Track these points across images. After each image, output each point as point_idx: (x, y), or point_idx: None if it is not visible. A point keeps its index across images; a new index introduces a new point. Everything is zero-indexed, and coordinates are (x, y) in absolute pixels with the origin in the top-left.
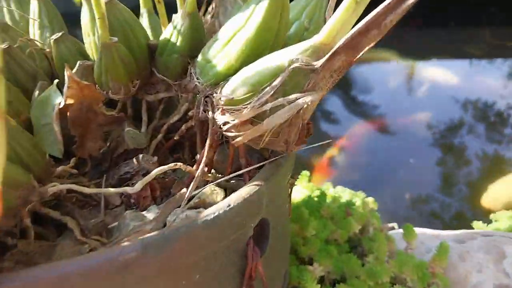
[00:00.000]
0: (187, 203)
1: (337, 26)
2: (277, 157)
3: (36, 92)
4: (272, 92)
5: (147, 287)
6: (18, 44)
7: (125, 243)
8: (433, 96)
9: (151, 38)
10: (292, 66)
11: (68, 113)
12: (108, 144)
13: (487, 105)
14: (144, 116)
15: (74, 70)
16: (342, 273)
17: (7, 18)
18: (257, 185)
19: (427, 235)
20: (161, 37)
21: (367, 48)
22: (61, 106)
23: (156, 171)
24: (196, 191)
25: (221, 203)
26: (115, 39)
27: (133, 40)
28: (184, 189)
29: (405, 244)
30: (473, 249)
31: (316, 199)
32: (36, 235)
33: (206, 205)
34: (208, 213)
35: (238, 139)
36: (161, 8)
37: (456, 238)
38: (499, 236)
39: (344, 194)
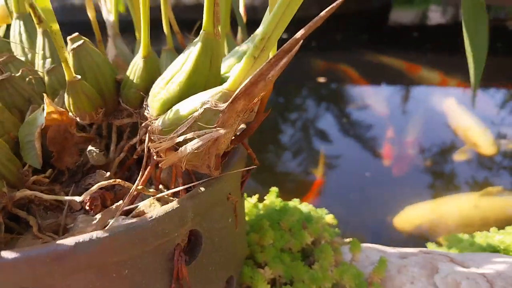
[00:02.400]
0: (128, 213)
1: (240, 77)
2: (209, 179)
3: (28, 114)
4: (188, 126)
5: (80, 276)
6: (20, 73)
7: (62, 241)
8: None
9: None
10: (203, 107)
11: (47, 133)
12: (82, 159)
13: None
14: (114, 137)
15: (58, 98)
16: (291, 278)
17: (19, 49)
18: (182, 201)
19: (374, 250)
20: (126, 73)
21: (259, 95)
22: (42, 127)
23: (96, 186)
24: (140, 203)
25: (146, 215)
26: (79, 77)
27: (100, 77)
28: (121, 201)
29: (351, 257)
30: (410, 264)
31: (276, 212)
32: (11, 229)
33: (144, 215)
34: (132, 222)
35: (163, 163)
36: None
37: (400, 254)
38: (438, 254)
39: (306, 210)
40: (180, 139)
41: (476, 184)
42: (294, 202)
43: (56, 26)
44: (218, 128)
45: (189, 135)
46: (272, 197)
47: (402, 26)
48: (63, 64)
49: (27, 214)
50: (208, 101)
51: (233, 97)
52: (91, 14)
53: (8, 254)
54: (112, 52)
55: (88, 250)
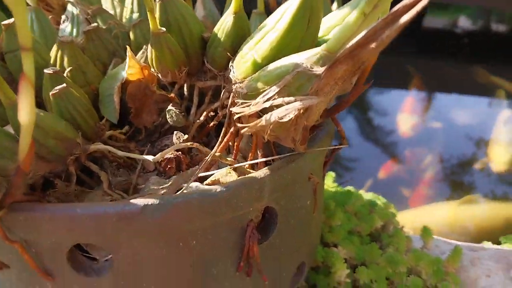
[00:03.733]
0: (202, 180)
1: (345, 36)
2: (291, 154)
3: (110, 67)
4: (277, 91)
5: (146, 240)
6: (107, 26)
7: (132, 200)
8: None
9: None
10: (296, 70)
11: (127, 88)
12: (160, 119)
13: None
14: (195, 99)
15: (141, 52)
16: (363, 260)
17: (109, 3)
18: (261, 174)
19: (442, 241)
20: (214, 30)
21: (367, 60)
22: (123, 81)
23: (172, 147)
24: (216, 171)
25: (221, 184)
26: (163, 29)
27: (186, 33)
28: (197, 166)
29: (422, 244)
30: (484, 257)
31: (341, 195)
32: (82, 181)
33: (219, 184)
34: (206, 189)
35: (244, 130)
36: None
37: (468, 247)
38: (508, 250)
39: (367, 196)
40: (266, 105)
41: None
42: (350, 188)
43: None
44: (311, 96)
45: (276, 101)
46: (329, 181)
47: (436, 31)
48: (148, 14)
49: (100, 169)
50: (303, 63)
51: (334, 59)
52: None
53: (76, 208)
54: (200, 12)
55: (157, 213)
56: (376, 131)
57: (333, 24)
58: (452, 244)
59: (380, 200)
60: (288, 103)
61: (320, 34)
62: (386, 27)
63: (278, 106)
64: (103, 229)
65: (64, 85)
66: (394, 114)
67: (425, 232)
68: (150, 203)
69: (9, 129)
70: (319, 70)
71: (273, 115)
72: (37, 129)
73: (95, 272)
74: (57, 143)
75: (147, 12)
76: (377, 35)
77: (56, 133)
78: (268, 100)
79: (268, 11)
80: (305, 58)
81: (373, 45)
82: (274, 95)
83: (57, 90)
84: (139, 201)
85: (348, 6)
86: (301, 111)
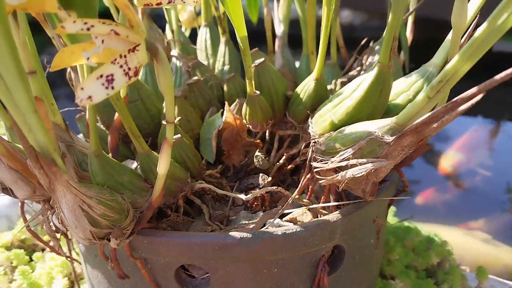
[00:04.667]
0: (282, 216)
1: (411, 113)
2: (360, 201)
3: (208, 115)
4: (351, 152)
5: (238, 265)
6: (204, 77)
7: (231, 233)
8: None
9: None
10: (369, 137)
11: (223, 134)
12: (246, 160)
13: None
14: (275, 144)
15: (234, 104)
16: None
17: (203, 56)
18: (334, 218)
19: (497, 281)
20: (296, 90)
21: (429, 135)
22: (219, 128)
23: (261, 190)
24: (293, 210)
25: (300, 224)
26: (258, 92)
27: (274, 93)
28: (280, 206)
29: (477, 283)
30: None
31: (401, 231)
32: (186, 212)
33: (296, 222)
34: (288, 229)
35: (322, 181)
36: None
37: None
38: None
39: (425, 232)
40: (343, 163)
41: None
42: (409, 223)
43: (247, 49)
44: (381, 159)
45: (352, 161)
46: (390, 216)
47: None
48: (247, 81)
49: (201, 203)
50: (375, 132)
51: (402, 132)
52: (267, 26)
53: (188, 236)
54: (279, 61)
55: (250, 245)
56: (430, 153)
57: (401, 90)
58: (507, 285)
59: (438, 237)
60: (361, 164)
61: (390, 98)
62: (446, 112)
63: (352, 165)
64: (207, 254)
65: (179, 135)
66: (452, 140)
67: (481, 271)
68: (245, 236)
69: (126, 163)
70: (389, 138)
71: (349, 173)
72: None
73: (194, 287)
74: (172, 182)
75: (246, 79)
76: (438, 117)
77: (172, 174)
78: (344, 160)
79: (340, 61)
80: (377, 127)
81: (435, 125)
82: (349, 155)
83: (174, 140)
84: (237, 234)
85: (415, 74)
86: (372, 170)
